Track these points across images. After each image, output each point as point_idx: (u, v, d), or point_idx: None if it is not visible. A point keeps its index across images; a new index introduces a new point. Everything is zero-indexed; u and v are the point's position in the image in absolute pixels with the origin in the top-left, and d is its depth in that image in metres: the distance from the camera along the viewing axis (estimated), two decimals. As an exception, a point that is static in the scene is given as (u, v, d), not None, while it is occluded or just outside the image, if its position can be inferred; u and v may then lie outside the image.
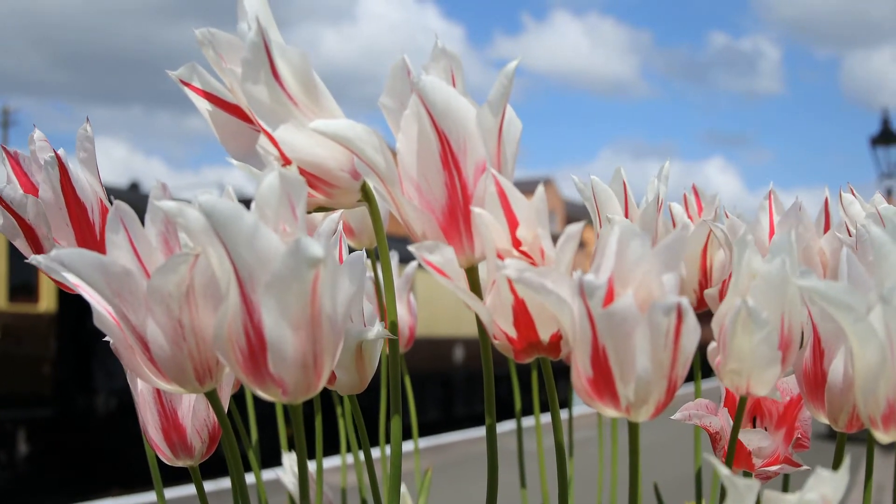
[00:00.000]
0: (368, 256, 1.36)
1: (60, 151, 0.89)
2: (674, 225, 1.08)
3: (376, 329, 0.85)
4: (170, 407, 0.82)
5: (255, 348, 0.57)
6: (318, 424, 1.22)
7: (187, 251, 0.61)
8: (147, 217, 0.65)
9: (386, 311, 0.80)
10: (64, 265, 0.62)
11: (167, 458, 0.84)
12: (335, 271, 0.57)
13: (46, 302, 9.86)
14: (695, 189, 1.13)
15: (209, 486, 5.07)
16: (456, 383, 15.83)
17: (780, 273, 0.69)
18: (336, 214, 0.77)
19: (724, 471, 0.54)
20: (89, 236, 0.91)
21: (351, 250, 1.04)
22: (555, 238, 0.65)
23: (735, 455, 0.87)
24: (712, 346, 0.76)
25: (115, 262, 0.63)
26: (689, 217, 1.11)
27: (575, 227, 0.64)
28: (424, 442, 9.70)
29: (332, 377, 0.87)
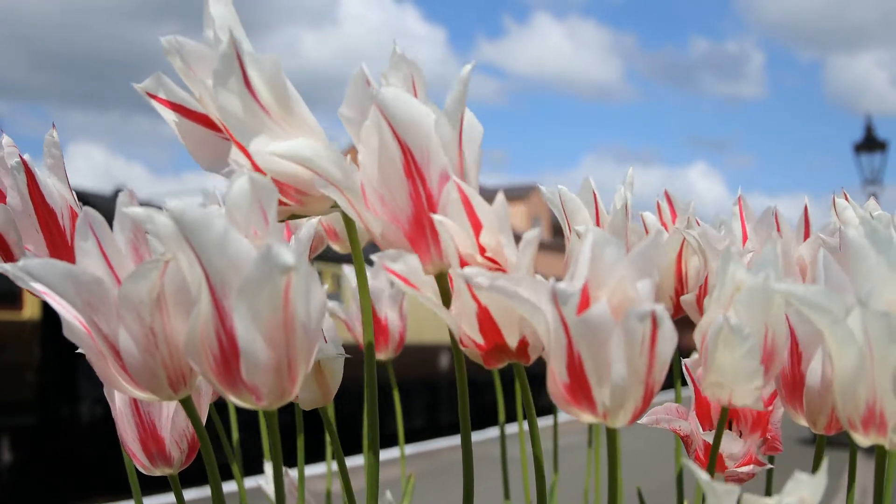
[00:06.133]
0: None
1: (26, 156, 0.88)
2: (647, 233, 1.07)
3: (330, 348, 0.85)
4: (147, 418, 0.81)
5: (228, 354, 0.56)
6: (298, 431, 1.21)
7: (158, 257, 0.60)
8: (115, 224, 0.64)
9: (364, 320, 0.79)
10: (31, 275, 0.61)
11: (145, 467, 0.83)
12: (309, 277, 0.56)
13: (30, 309, 9.82)
14: (668, 196, 1.12)
15: (196, 493, 5.05)
16: (441, 390, 15.81)
17: (764, 286, 0.69)
18: (314, 221, 0.76)
19: (703, 476, 0.54)
20: (60, 242, 0.90)
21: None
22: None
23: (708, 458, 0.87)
24: (694, 357, 0.76)
25: (84, 270, 0.62)
26: (663, 224, 1.10)
27: (532, 233, 0.63)
28: (410, 448, 9.68)
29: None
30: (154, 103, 0.72)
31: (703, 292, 1.03)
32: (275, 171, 0.68)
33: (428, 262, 0.68)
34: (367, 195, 0.67)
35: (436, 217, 0.65)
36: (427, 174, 0.66)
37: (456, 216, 0.65)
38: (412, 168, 0.65)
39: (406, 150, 0.65)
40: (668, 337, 0.55)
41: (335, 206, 0.72)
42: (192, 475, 0.83)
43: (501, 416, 1.56)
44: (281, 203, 0.70)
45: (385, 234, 0.67)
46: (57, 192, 0.90)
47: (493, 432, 8.15)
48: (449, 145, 0.66)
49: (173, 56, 0.69)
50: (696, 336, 0.73)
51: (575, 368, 0.56)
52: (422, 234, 0.67)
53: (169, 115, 0.72)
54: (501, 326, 0.66)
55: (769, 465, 0.93)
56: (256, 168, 0.68)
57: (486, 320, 0.66)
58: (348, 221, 0.75)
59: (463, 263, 0.66)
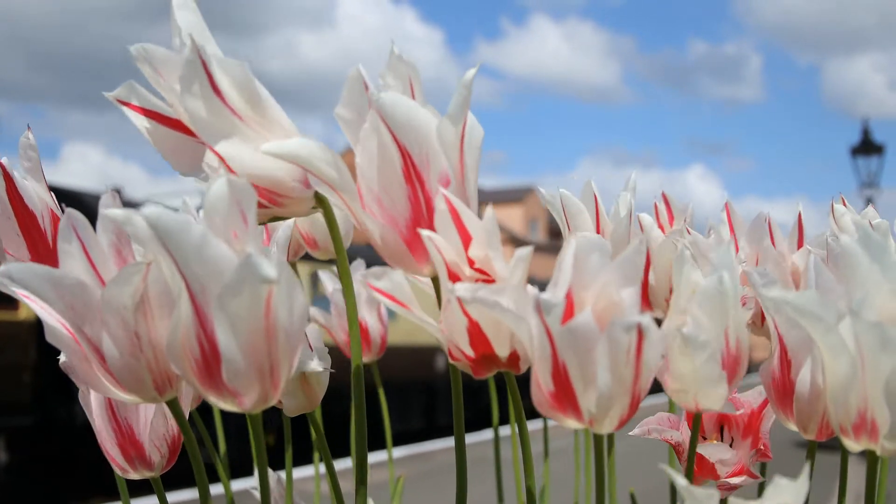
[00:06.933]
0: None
1: (4, 160, 0.87)
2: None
3: (315, 361, 0.85)
4: (125, 423, 0.81)
5: (209, 358, 0.56)
6: (286, 434, 1.21)
7: (140, 261, 0.59)
8: (98, 226, 0.64)
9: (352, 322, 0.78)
10: (13, 280, 0.60)
11: (124, 471, 0.82)
12: (290, 283, 0.55)
13: (27, 310, 9.82)
14: (665, 198, 1.10)
15: (188, 494, 5.04)
16: (439, 391, 15.82)
17: (720, 289, 0.68)
18: (289, 222, 0.75)
19: (681, 482, 0.54)
20: (41, 244, 0.89)
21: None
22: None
23: (700, 466, 0.86)
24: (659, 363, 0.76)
25: (67, 274, 0.61)
26: (660, 227, 1.09)
27: (524, 250, 0.62)
28: (406, 450, 9.69)
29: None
30: (126, 110, 0.71)
31: None
32: (251, 176, 0.67)
33: (425, 264, 0.67)
34: (365, 198, 0.66)
35: (423, 233, 0.64)
36: (426, 178, 0.65)
37: (445, 228, 0.64)
38: (411, 172, 0.65)
39: (405, 154, 0.64)
40: (655, 346, 0.55)
41: (316, 206, 0.72)
42: (179, 477, 0.83)
43: (495, 418, 1.55)
44: (261, 206, 0.70)
45: (383, 236, 0.66)
46: (36, 195, 0.89)
47: (487, 434, 8.16)
48: (451, 148, 0.66)
49: (143, 63, 0.68)
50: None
51: (560, 377, 0.56)
52: (419, 237, 0.66)
53: (141, 122, 0.72)
54: (492, 339, 0.66)
55: (762, 479, 0.92)
56: (231, 172, 0.67)
57: (476, 334, 0.65)
58: (331, 223, 0.74)
59: (452, 275, 0.65)
